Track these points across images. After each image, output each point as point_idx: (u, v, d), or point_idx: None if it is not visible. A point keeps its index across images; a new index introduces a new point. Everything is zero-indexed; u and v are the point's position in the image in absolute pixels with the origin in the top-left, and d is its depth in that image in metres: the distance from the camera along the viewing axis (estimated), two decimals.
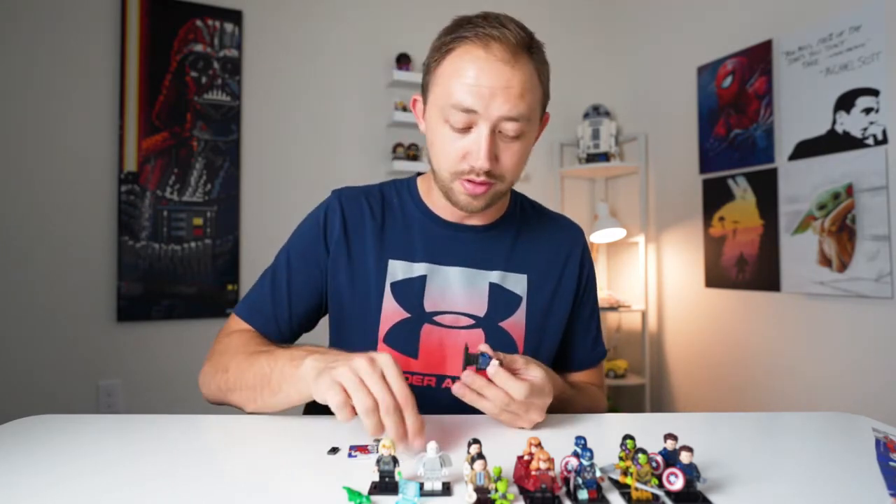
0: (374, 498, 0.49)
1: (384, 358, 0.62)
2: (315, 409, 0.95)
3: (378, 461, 0.51)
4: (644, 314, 2.69)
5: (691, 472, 0.49)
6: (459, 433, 0.68)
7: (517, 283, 0.90)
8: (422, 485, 0.49)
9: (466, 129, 0.76)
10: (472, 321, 0.87)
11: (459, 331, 0.87)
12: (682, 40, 2.60)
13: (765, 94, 2.18)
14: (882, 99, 1.80)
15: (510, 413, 0.68)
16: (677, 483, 0.49)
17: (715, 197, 2.39)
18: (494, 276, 0.89)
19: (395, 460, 0.51)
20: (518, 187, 2.79)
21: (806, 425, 0.74)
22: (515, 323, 0.89)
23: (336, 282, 0.89)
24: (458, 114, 0.75)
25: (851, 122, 1.88)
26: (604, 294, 2.82)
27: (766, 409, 2.17)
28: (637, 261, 2.79)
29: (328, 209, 0.91)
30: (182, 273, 2.18)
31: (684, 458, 0.50)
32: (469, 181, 0.79)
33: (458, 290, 0.88)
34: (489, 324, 0.88)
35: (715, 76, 2.39)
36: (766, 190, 2.17)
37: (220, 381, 0.79)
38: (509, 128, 0.76)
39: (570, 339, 0.97)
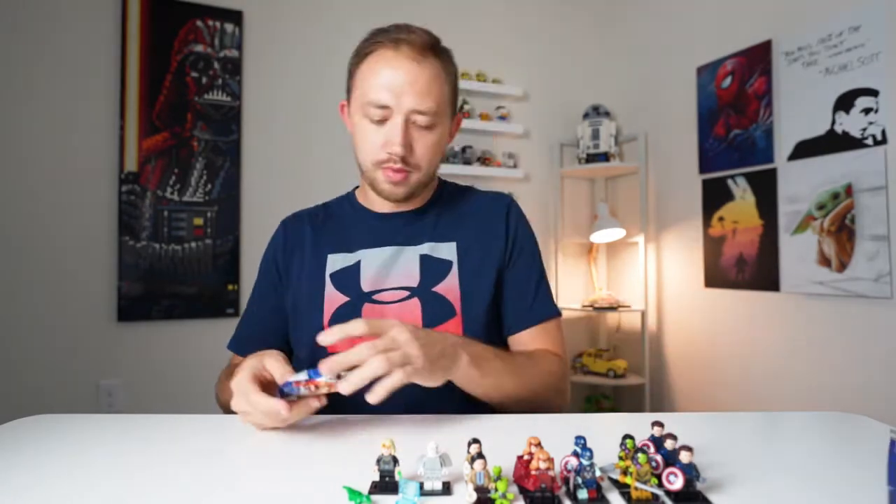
0: (374, 498, 0.50)
1: (237, 378, 0.68)
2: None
3: (378, 461, 0.52)
4: (644, 314, 2.69)
5: (691, 471, 0.49)
6: (459, 433, 0.68)
7: (447, 250, 0.94)
8: (422, 485, 0.50)
9: (383, 121, 0.86)
10: (407, 293, 0.90)
11: (398, 304, 0.90)
12: (682, 40, 2.60)
13: (764, 95, 2.18)
14: (881, 99, 1.80)
15: (392, 363, 0.63)
16: (677, 483, 0.49)
17: (714, 197, 2.39)
18: (424, 248, 0.94)
19: (395, 460, 0.52)
20: (518, 187, 2.81)
21: (806, 425, 0.74)
22: (449, 286, 0.91)
23: (289, 292, 0.97)
24: (375, 109, 0.85)
25: (851, 123, 1.88)
26: (604, 294, 2.82)
27: (766, 409, 2.17)
28: (637, 261, 2.79)
29: (275, 241, 1.02)
30: (182, 273, 2.18)
31: (684, 457, 0.50)
32: (389, 169, 0.87)
33: (390, 267, 0.92)
34: (423, 291, 0.91)
35: (714, 76, 2.39)
36: (765, 190, 2.17)
37: (225, 409, 0.89)
38: (420, 120, 0.86)
39: (506, 298, 0.96)
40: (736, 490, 0.52)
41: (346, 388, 0.62)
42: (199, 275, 2.20)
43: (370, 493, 0.50)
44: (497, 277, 0.94)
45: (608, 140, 2.75)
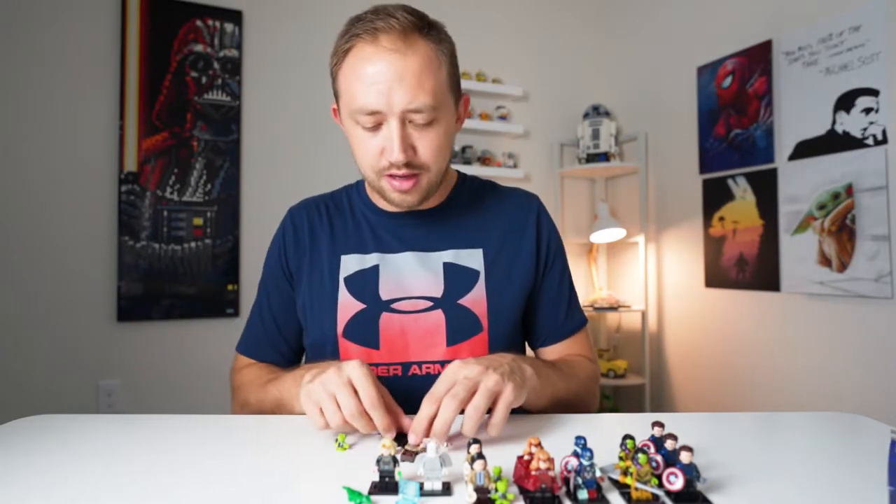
0: (374, 498, 0.49)
1: (351, 365, 0.64)
2: None
3: (378, 461, 0.51)
4: (644, 314, 2.69)
5: (691, 472, 0.49)
6: (459, 433, 0.68)
7: (472, 259, 0.88)
8: (422, 485, 0.49)
9: (377, 126, 0.76)
10: (430, 303, 0.84)
11: (419, 315, 0.84)
12: (682, 40, 2.60)
13: (764, 94, 2.18)
14: (882, 99, 1.80)
15: (489, 390, 0.61)
16: (677, 483, 0.49)
17: (715, 197, 2.39)
18: (447, 255, 0.88)
19: (395, 460, 0.51)
20: (517, 186, 2.80)
21: (806, 425, 0.74)
22: (476, 298, 0.85)
23: (300, 292, 0.90)
24: (365, 116, 0.75)
25: (851, 122, 1.88)
26: (604, 294, 2.82)
27: (766, 409, 2.17)
28: (637, 261, 2.79)
29: (284, 232, 0.94)
30: (182, 273, 2.18)
31: (684, 458, 0.50)
32: (392, 176, 0.79)
33: (411, 274, 0.86)
34: (448, 303, 0.84)
35: (715, 76, 2.39)
36: (765, 190, 2.17)
37: (248, 413, 0.84)
38: (417, 118, 0.76)
39: (539, 310, 0.91)
40: (736, 490, 0.52)
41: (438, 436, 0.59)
42: (199, 275, 2.20)
43: (370, 493, 0.50)
44: (527, 290, 0.89)
45: (608, 140, 2.75)
